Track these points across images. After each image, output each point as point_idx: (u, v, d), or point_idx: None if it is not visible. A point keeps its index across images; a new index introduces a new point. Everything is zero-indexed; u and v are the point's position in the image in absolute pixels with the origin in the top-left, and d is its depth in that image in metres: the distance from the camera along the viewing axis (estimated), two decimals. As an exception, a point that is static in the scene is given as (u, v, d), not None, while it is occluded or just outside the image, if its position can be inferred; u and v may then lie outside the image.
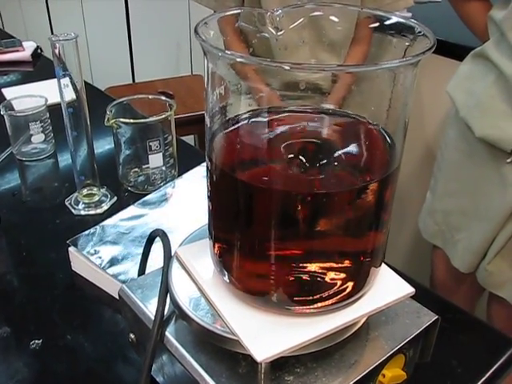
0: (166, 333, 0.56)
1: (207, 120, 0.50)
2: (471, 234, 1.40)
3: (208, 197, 0.54)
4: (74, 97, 0.89)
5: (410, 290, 0.56)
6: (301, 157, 0.48)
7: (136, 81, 2.95)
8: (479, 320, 0.80)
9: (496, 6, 1.30)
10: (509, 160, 1.25)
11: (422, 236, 1.59)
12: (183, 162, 1.06)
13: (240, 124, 0.51)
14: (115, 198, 1.01)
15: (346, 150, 0.51)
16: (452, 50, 1.73)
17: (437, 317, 0.60)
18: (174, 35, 2.65)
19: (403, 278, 0.57)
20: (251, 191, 0.49)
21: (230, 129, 0.51)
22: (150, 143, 0.98)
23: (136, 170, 1.03)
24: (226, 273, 0.53)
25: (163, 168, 1.02)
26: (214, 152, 0.50)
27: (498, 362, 0.71)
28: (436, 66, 1.80)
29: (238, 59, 0.42)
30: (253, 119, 0.52)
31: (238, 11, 0.54)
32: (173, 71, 2.66)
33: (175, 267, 0.59)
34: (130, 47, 2.91)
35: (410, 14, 2.00)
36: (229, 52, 0.43)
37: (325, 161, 0.49)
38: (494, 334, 0.77)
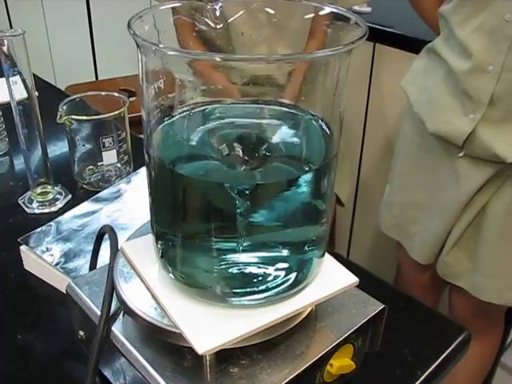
0: (113, 328, 0.56)
1: (144, 114, 0.50)
2: (428, 227, 1.41)
3: (149, 193, 0.54)
4: (26, 95, 0.88)
5: (353, 279, 0.56)
6: (238, 149, 0.48)
7: (99, 78, 2.91)
8: (430, 308, 0.81)
9: (446, 1, 1.31)
10: (461, 154, 1.26)
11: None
12: (139, 159, 1.05)
13: (177, 118, 0.51)
14: (70, 196, 1.00)
15: (283, 140, 0.51)
16: (411, 44, 1.74)
17: (383, 306, 0.60)
18: (136, 32, 2.63)
19: (355, 267, 0.58)
20: (188, 185, 0.49)
21: (167, 123, 0.51)
22: (104, 140, 0.97)
23: (91, 167, 1.02)
24: (168, 267, 0.53)
25: (118, 165, 1.01)
26: (151, 147, 0.50)
27: (448, 349, 0.72)
28: (396, 59, 1.81)
29: (170, 52, 0.42)
30: (191, 113, 0.52)
31: (178, 4, 0.54)
32: (135, 68, 2.63)
33: (121, 262, 0.59)
34: (92, 45, 2.88)
35: (369, 9, 2.01)
36: (161, 45, 0.42)
37: (262, 152, 0.49)
38: (445, 322, 0.78)
